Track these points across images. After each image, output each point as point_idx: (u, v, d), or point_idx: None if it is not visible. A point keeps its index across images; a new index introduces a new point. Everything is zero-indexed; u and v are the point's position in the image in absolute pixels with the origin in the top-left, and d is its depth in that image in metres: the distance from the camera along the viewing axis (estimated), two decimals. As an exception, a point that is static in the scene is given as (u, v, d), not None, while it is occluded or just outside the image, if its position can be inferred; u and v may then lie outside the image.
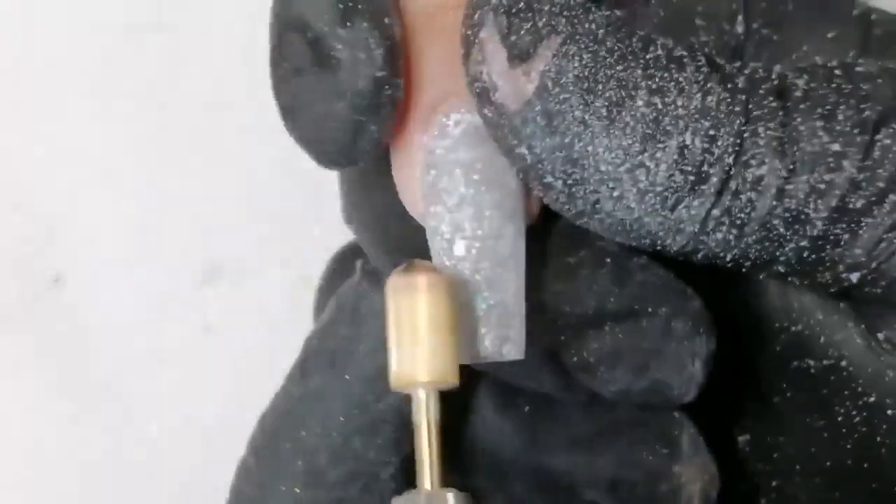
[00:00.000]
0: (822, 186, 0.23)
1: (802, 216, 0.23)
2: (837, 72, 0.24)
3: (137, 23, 0.48)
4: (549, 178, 0.23)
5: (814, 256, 0.23)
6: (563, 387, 0.27)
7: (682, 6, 0.26)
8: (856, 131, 0.23)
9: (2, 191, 0.48)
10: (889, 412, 0.26)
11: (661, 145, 0.23)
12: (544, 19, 0.23)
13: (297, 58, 0.25)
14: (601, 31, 0.23)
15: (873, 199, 0.23)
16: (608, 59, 0.23)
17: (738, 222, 0.23)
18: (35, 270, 0.49)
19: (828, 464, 0.27)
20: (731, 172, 0.23)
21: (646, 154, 0.23)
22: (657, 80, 0.23)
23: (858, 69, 0.24)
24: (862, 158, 0.23)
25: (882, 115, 0.23)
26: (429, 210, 0.25)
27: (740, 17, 0.26)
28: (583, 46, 0.23)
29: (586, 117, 0.23)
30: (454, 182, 0.25)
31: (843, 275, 0.24)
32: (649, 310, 0.26)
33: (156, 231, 0.49)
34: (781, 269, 0.24)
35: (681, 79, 0.23)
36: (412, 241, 0.27)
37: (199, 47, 0.48)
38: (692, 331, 0.26)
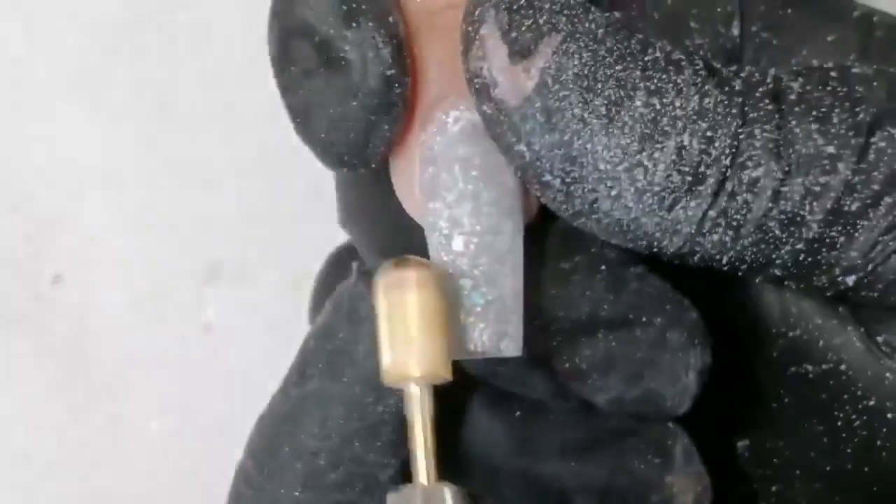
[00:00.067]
0: (818, 189, 0.23)
1: (798, 218, 0.23)
2: (833, 74, 0.24)
3: (137, 22, 0.48)
4: (547, 177, 0.23)
5: (809, 259, 0.23)
6: (555, 393, 0.27)
7: (676, 9, 0.26)
8: (850, 134, 0.23)
9: (2, 191, 0.48)
10: (889, 416, 0.26)
11: (658, 145, 0.23)
12: (545, 17, 0.23)
13: (306, 61, 0.25)
14: (601, 31, 0.23)
15: (868, 201, 0.23)
16: (607, 59, 0.23)
17: (734, 224, 0.23)
18: (35, 270, 0.49)
19: (828, 468, 0.27)
20: (728, 174, 0.23)
21: (644, 154, 0.23)
22: (655, 81, 0.23)
23: (854, 71, 0.24)
24: (857, 161, 0.23)
25: (877, 118, 0.23)
26: (427, 206, 0.25)
27: (736, 21, 0.26)
28: (583, 45, 0.23)
29: (585, 115, 0.23)
30: (453, 178, 0.25)
31: (839, 278, 0.24)
32: (644, 319, 0.26)
33: (155, 231, 0.49)
34: (778, 272, 0.24)
35: (679, 81, 0.23)
36: (407, 241, 0.27)
37: (199, 47, 0.48)
38: (687, 342, 0.26)
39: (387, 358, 0.24)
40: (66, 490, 0.49)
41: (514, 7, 0.23)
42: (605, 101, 0.23)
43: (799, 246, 0.23)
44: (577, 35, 0.23)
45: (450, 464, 0.27)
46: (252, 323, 0.50)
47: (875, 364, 0.26)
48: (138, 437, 0.49)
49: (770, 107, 0.23)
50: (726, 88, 0.23)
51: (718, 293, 0.27)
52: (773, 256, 0.24)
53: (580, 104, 0.23)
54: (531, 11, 0.23)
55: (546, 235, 0.26)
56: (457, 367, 0.24)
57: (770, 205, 0.23)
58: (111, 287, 0.49)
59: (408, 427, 0.24)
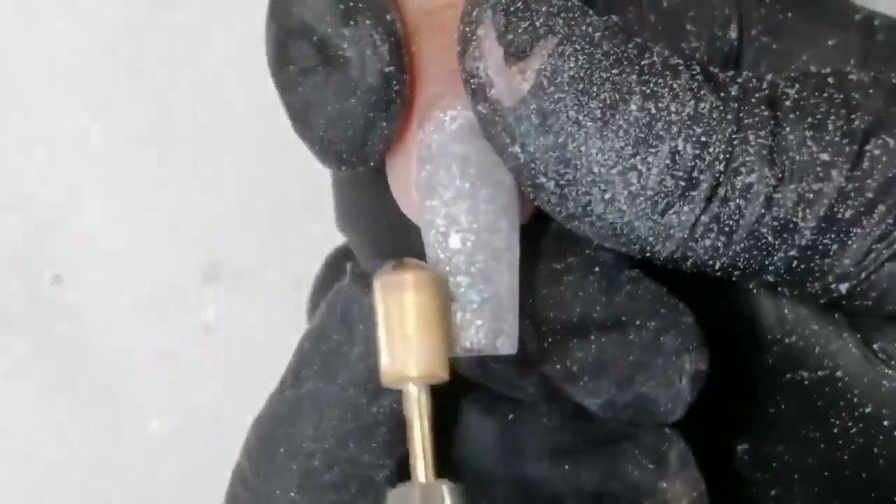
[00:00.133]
0: (811, 196, 0.23)
1: (791, 225, 0.23)
2: (830, 80, 0.23)
3: (137, 22, 0.48)
4: (541, 179, 0.23)
5: (803, 266, 0.23)
6: (547, 396, 0.27)
7: (673, 11, 0.26)
8: (845, 141, 0.23)
9: (2, 191, 0.48)
10: (885, 423, 0.26)
11: (653, 150, 0.23)
12: (541, 19, 0.23)
13: (304, 60, 0.25)
14: (597, 35, 0.23)
15: (862, 209, 0.23)
16: (604, 62, 0.23)
17: (727, 229, 0.23)
18: (35, 270, 0.49)
19: (826, 474, 0.27)
20: (721, 179, 0.23)
21: (638, 157, 0.23)
22: (651, 85, 0.23)
23: (851, 78, 0.24)
24: (850, 168, 0.23)
25: (872, 126, 0.23)
26: (424, 204, 0.25)
27: (733, 24, 0.26)
28: (579, 48, 0.23)
29: (580, 118, 0.23)
30: (450, 176, 0.25)
31: (833, 285, 0.24)
32: (637, 322, 0.26)
33: (155, 231, 0.49)
34: (771, 278, 0.24)
35: (675, 85, 0.23)
36: (403, 241, 0.27)
37: (199, 47, 0.48)
38: (682, 346, 0.26)
39: (385, 359, 0.24)
40: (66, 490, 0.49)
41: (511, 9, 0.23)
42: (601, 105, 0.23)
43: (792, 253, 0.23)
44: (574, 38, 0.23)
45: (442, 466, 0.27)
46: (252, 323, 0.50)
47: (871, 371, 0.26)
48: (138, 437, 0.49)
49: (765, 113, 0.23)
50: (722, 94, 0.23)
51: (714, 298, 0.27)
52: (766, 263, 0.23)
53: (575, 107, 0.23)
54: (528, 13, 0.23)
55: (540, 236, 0.26)
56: (451, 369, 0.24)
57: (763, 211, 0.23)
58: (111, 287, 0.49)
59: (406, 426, 0.24)
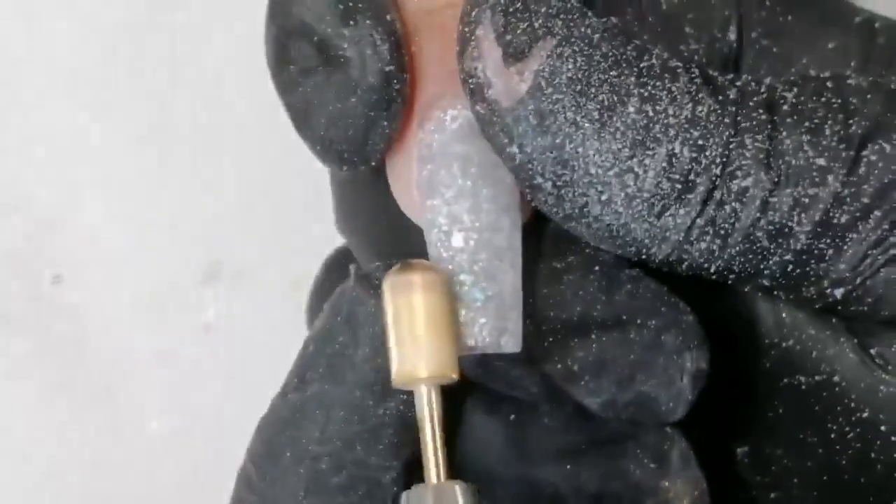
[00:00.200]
0: (806, 200, 0.23)
1: (786, 229, 0.23)
2: (829, 84, 0.23)
3: (137, 22, 0.48)
4: (538, 179, 0.23)
5: (798, 270, 0.23)
6: (549, 396, 0.27)
7: (672, 13, 0.26)
8: (841, 146, 0.23)
9: (2, 191, 0.48)
10: (883, 428, 0.26)
11: (650, 152, 0.23)
12: (540, 20, 0.23)
13: (304, 60, 0.25)
14: (596, 36, 0.23)
15: (857, 214, 0.23)
16: (602, 64, 0.23)
17: (722, 233, 0.23)
18: (35, 270, 0.49)
19: (825, 478, 0.27)
20: (717, 183, 0.23)
21: (635, 160, 0.23)
22: (650, 88, 0.23)
23: (850, 82, 0.23)
24: (847, 174, 0.23)
25: (869, 131, 0.23)
26: (426, 203, 0.25)
27: (733, 26, 0.26)
28: (577, 50, 0.23)
29: (578, 119, 0.23)
30: (452, 175, 0.25)
31: (828, 290, 0.24)
32: (638, 321, 0.26)
33: (155, 231, 0.49)
34: (766, 282, 0.24)
35: (673, 88, 0.23)
36: (404, 243, 0.27)
37: (199, 47, 0.48)
38: (682, 345, 0.26)
39: (395, 360, 0.24)
40: (66, 490, 0.49)
41: (511, 9, 0.23)
42: (599, 106, 0.23)
43: (787, 257, 0.23)
44: (573, 39, 0.23)
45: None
46: (252, 323, 0.50)
47: (868, 376, 0.25)
48: (138, 437, 0.49)
49: (763, 117, 0.23)
50: (720, 97, 0.23)
51: (713, 300, 0.27)
52: (762, 266, 0.23)
53: (573, 108, 0.23)
54: (527, 14, 0.23)
55: (540, 235, 0.26)
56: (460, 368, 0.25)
57: (758, 215, 0.23)
58: (111, 287, 0.49)
59: (417, 427, 0.24)
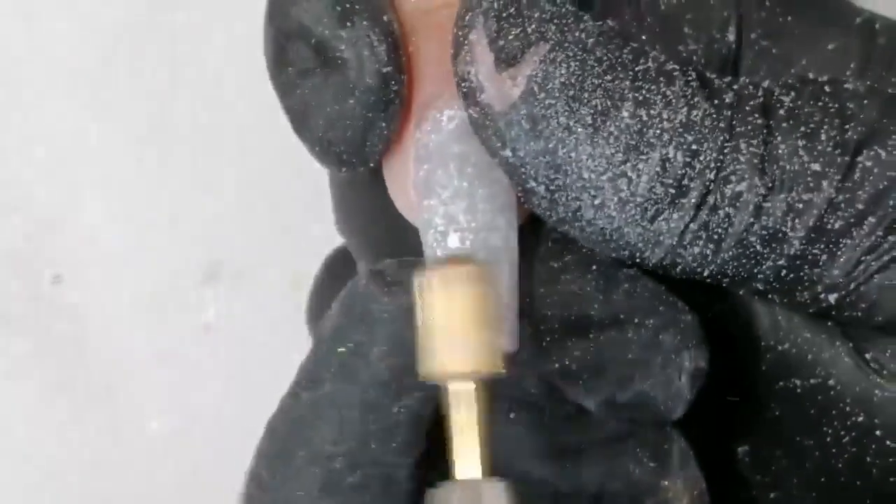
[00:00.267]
0: (800, 206, 0.22)
1: (780, 235, 0.23)
2: (827, 88, 0.23)
3: (137, 22, 0.48)
4: (531, 183, 0.23)
5: (791, 276, 0.23)
6: (548, 395, 0.27)
7: (670, 13, 0.26)
8: (837, 152, 0.22)
9: (2, 191, 0.48)
10: (878, 433, 0.25)
11: (643, 157, 0.22)
12: (533, 25, 0.23)
13: (302, 62, 0.25)
14: (591, 41, 0.23)
15: (852, 220, 0.22)
16: (596, 69, 0.23)
17: (716, 237, 0.23)
18: (35, 270, 0.49)
19: (822, 480, 0.27)
20: (711, 187, 0.22)
21: (628, 164, 0.23)
22: (644, 92, 0.23)
23: (847, 87, 0.23)
24: (841, 179, 0.22)
25: (865, 137, 0.23)
26: (422, 203, 0.25)
27: (732, 26, 0.26)
28: (571, 54, 0.23)
29: (571, 124, 0.23)
30: (448, 175, 0.25)
31: (822, 295, 0.23)
32: (636, 320, 0.26)
33: (155, 231, 0.49)
34: (760, 286, 0.24)
35: (668, 92, 0.23)
36: (402, 244, 0.27)
37: (199, 47, 0.49)
38: (680, 344, 0.25)
39: (435, 355, 0.24)
40: (66, 490, 0.49)
41: (504, 14, 0.23)
42: (592, 111, 0.22)
43: (780, 262, 0.23)
44: (566, 44, 0.23)
45: (444, 466, 0.27)
46: (252, 323, 0.50)
47: (864, 380, 0.25)
48: (138, 437, 0.49)
49: (759, 121, 0.23)
50: (716, 101, 0.23)
51: (711, 301, 0.27)
52: (755, 271, 0.23)
53: (566, 113, 0.23)
54: (520, 19, 0.23)
55: (537, 235, 0.26)
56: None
57: (752, 220, 0.23)
58: (111, 287, 0.49)
59: (455, 423, 0.24)
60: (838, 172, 0.22)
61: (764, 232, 0.23)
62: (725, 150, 0.22)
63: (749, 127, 0.22)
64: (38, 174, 0.48)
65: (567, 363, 0.26)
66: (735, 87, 0.23)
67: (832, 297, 0.23)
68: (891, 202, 0.22)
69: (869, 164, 0.22)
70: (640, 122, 0.22)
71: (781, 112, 0.23)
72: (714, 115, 0.22)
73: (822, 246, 0.23)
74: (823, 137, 0.22)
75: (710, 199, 0.23)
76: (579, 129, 0.23)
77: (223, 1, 0.48)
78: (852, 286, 0.23)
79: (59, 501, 0.49)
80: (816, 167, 0.22)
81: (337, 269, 0.33)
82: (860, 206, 0.22)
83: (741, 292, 0.25)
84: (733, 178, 0.22)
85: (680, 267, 0.24)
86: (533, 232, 0.26)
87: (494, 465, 0.27)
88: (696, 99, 0.23)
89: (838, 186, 0.22)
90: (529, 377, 0.26)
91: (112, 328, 0.49)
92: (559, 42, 0.23)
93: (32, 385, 0.49)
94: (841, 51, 0.25)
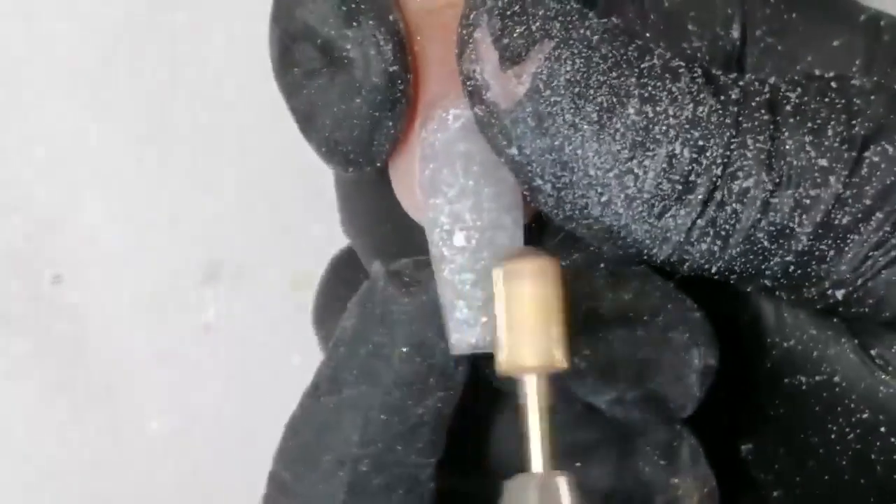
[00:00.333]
0: (808, 201, 0.23)
1: (787, 230, 0.23)
2: (833, 84, 0.23)
3: (137, 22, 0.48)
4: (537, 181, 0.23)
5: (799, 272, 0.23)
6: (557, 394, 0.27)
7: (673, 11, 0.26)
8: (844, 147, 0.23)
9: (2, 191, 0.48)
10: (882, 429, 0.26)
11: (650, 153, 0.23)
12: (538, 23, 0.23)
13: (308, 62, 0.25)
14: (595, 38, 0.23)
15: (859, 216, 0.23)
16: (601, 66, 0.23)
17: (723, 233, 0.23)
18: (35, 270, 0.49)
19: (826, 478, 0.27)
20: (718, 184, 0.23)
21: (634, 161, 0.23)
22: (650, 88, 0.23)
23: (854, 83, 0.23)
24: (848, 175, 0.22)
25: (872, 132, 0.23)
26: (428, 202, 0.25)
27: (735, 23, 0.26)
28: (576, 52, 0.23)
29: (577, 121, 0.23)
30: (454, 174, 0.25)
31: (829, 291, 0.24)
32: (645, 318, 0.26)
33: (155, 231, 0.49)
34: (768, 282, 0.24)
35: (674, 89, 0.23)
36: (408, 244, 0.27)
37: (199, 47, 0.48)
38: (690, 341, 0.26)
39: (504, 348, 0.23)
40: (66, 490, 0.49)
41: (508, 13, 0.23)
42: (598, 108, 0.23)
43: (788, 258, 0.23)
44: (571, 41, 0.23)
45: (456, 462, 0.27)
46: (252, 323, 0.50)
47: (869, 377, 0.25)
48: (138, 437, 0.49)
49: (766, 117, 0.23)
50: (722, 97, 0.23)
51: (717, 298, 0.27)
52: (763, 267, 0.23)
53: (571, 110, 0.23)
54: (524, 17, 0.23)
55: (543, 233, 0.26)
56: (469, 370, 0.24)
57: (759, 216, 0.23)
58: (111, 287, 0.49)
59: (525, 416, 0.24)
60: (845, 168, 0.22)
61: (771, 228, 0.23)
62: (732, 146, 0.22)
63: (756, 123, 0.23)
64: (38, 174, 0.48)
65: (576, 362, 0.26)
66: (741, 83, 0.23)
67: (839, 293, 0.23)
68: None
69: (876, 159, 0.23)
70: (646, 119, 0.22)
71: (788, 108, 0.23)
72: (720, 112, 0.23)
73: (830, 241, 0.23)
74: (830, 133, 0.23)
75: (718, 196, 0.23)
76: (585, 126, 0.23)
77: (223, 1, 0.48)
78: (860, 282, 0.23)
79: (59, 501, 0.49)
80: (823, 163, 0.22)
81: (343, 271, 0.33)
82: (867, 202, 0.23)
83: (748, 289, 0.25)
84: (740, 174, 0.22)
85: (688, 264, 0.24)
86: (539, 230, 0.26)
87: (505, 464, 0.27)
88: (701, 95, 0.23)
89: (845, 182, 0.22)
90: None
91: (112, 328, 0.49)
92: (564, 39, 0.23)
93: (32, 385, 0.49)
94: (846, 48, 0.25)
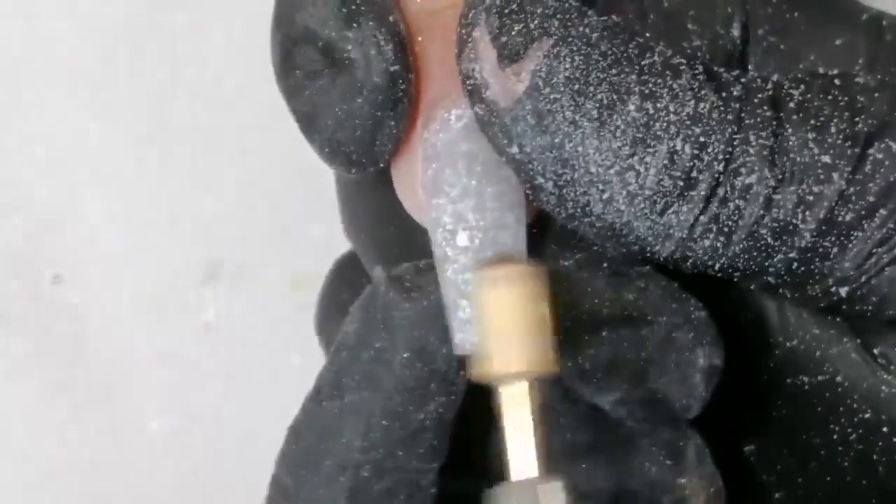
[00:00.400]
0: (811, 198, 0.23)
1: (790, 227, 0.23)
2: (836, 81, 0.23)
3: (137, 22, 0.48)
4: (539, 179, 0.23)
5: (802, 268, 0.23)
6: (561, 395, 0.27)
7: (673, 10, 0.26)
8: (847, 144, 0.23)
9: (2, 191, 0.48)
10: (884, 429, 0.26)
11: (651, 150, 0.23)
12: (536, 21, 0.23)
13: (310, 64, 0.25)
14: (595, 35, 0.23)
15: (863, 212, 0.23)
16: (601, 63, 0.23)
17: (726, 230, 0.23)
18: (35, 270, 0.49)
19: (828, 479, 0.27)
20: (720, 180, 0.22)
21: (635, 158, 0.23)
22: (650, 85, 0.23)
23: (857, 80, 0.23)
24: (852, 171, 0.22)
25: (875, 129, 0.23)
26: (430, 202, 0.25)
27: (736, 22, 0.26)
28: (575, 49, 0.23)
29: (577, 118, 0.23)
30: (457, 173, 0.25)
31: (833, 288, 0.24)
32: (649, 317, 0.26)
33: (155, 231, 0.49)
34: (771, 280, 0.24)
35: (675, 85, 0.23)
36: (411, 246, 0.27)
37: (199, 47, 0.48)
38: (695, 341, 0.26)
39: (492, 355, 0.24)
40: (66, 490, 0.49)
41: (506, 11, 0.23)
42: (598, 105, 0.23)
43: (791, 255, 0.23)
44: (570, 39, 0.23)
45: (459, 464, 0.27)
46: (252, 323, 0.50)
47: (871, 376, 0.25)
48: (138, 437, 0.49)
49: (768, 113, 0.23)
50: (724, 94, 0.23)
51: (720, 297, 0.27)
52: (766, 264, 0.23)
53: (571, 107, 0.23)
54: (522, 15, 0.23)
55: (546, 232, 0.26)
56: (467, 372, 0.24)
57: (762, 212, 0.23)
58: (111, 287, 0.49)
59: (510, 424, 0.24)
60: (849, 164, 0.22)
61: (774, 224, 0.23)
62: (734, 142, 0.22)
63: (758, 119, 0.23)
64: (38, 174, 0.48)
65: (580, 362, 0.26)
66: (743, 80, 0.23)
67: (843, 291, 0.23)
68: None
69: (880, 156, 0.23)
70: (647, 115, 0.22)
71: (791, 105, 0.23)
72: (722, 108, 0.23)
73: (833, 238, 0.23)
74: (833, 130, 0.23)
75: (720, 192, 0.23)
76: (585, 123, 0.23)
77: (223, 1, 0.48)
78: (863, 279, 0.23)
79: (59, 501, 0.49)
80: (827, 159, 0.22)
81: (347, 274, 0.33)
82: (871, 199, 0.23)
83: (752, 286, 0.25)
84: (743, 170, 0.22)
85: (691, 261, 0.24)
86: (542, 229, 0.26)
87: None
88: (703, 91, 0.23)
89: (849, 178, 0.22)
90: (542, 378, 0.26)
91: (112, 328, 0.49)
92: (563, 37, 0.23)
93: (32, 385, 0.49)
94: (848, 47, 0.25)
